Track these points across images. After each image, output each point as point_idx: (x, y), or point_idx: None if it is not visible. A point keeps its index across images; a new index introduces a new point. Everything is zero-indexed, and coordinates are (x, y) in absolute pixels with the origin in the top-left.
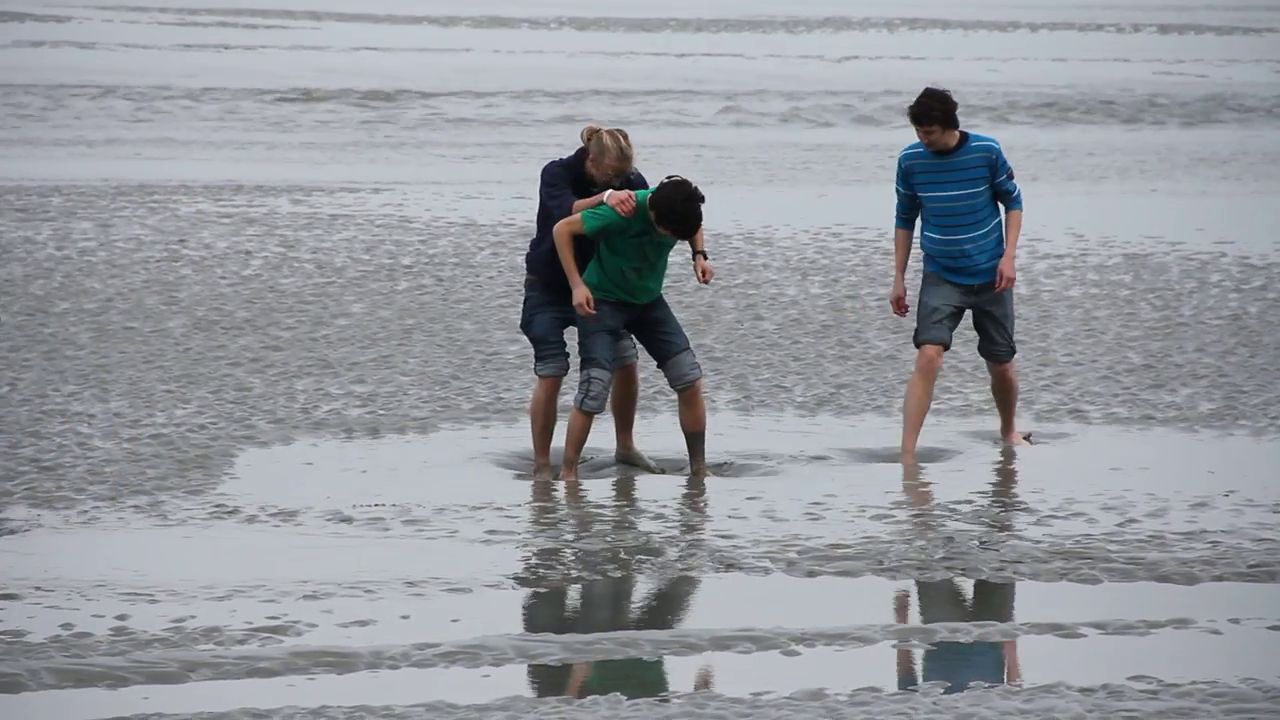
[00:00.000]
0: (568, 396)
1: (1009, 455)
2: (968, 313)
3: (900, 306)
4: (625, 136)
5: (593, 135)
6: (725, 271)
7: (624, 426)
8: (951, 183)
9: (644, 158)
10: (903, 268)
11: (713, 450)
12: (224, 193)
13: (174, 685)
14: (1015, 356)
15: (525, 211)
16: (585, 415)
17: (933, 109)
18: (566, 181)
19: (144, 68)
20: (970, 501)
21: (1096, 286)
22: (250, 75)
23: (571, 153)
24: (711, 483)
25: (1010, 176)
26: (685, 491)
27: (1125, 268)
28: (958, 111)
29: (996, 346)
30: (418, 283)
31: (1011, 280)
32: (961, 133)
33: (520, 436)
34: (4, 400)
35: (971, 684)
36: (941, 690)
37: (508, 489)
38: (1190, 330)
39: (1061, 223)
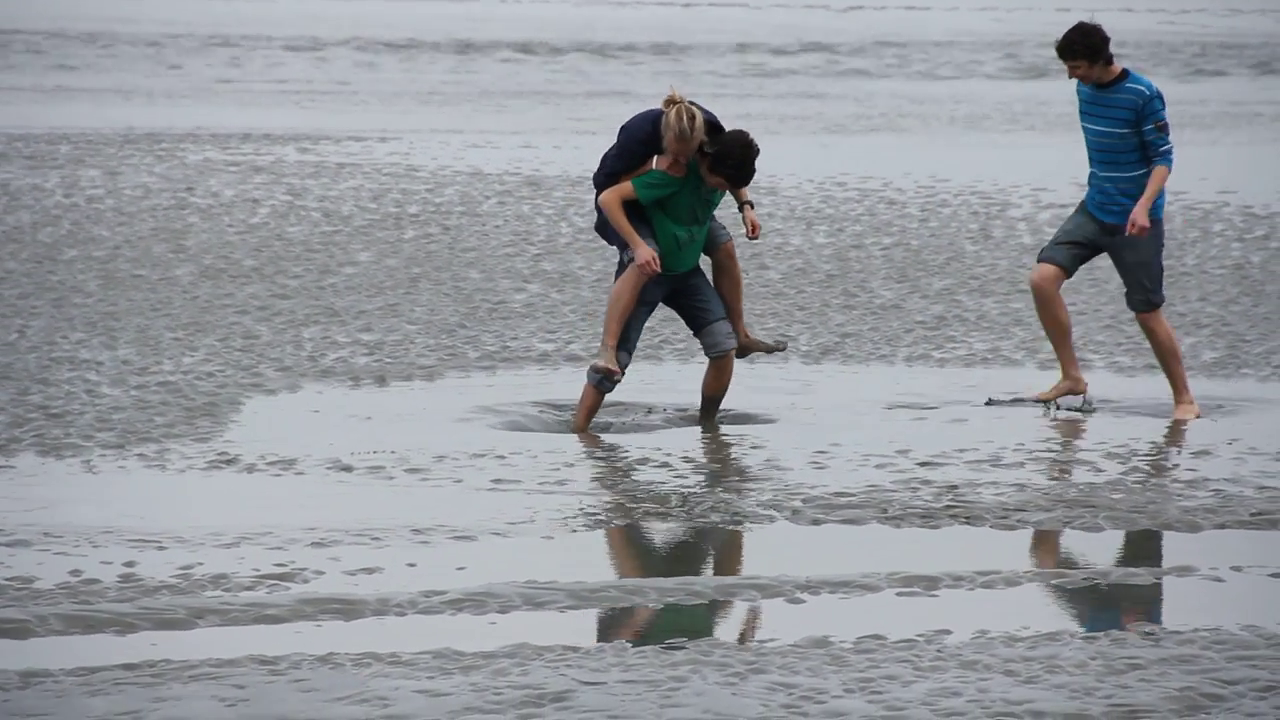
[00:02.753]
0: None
1: (1013, 404)
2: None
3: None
4: (693, 119)
5: (669, 105)
6: (731, 221)
7: (734, 319)
8: (1101, 118)
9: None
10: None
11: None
12: (231, 141)
13: (182, 631)
14: (1158, 310)
15: (531, 161)
16: (600, 392)
17: (1074, 42)
18: (646, 150)
19: (152, 15)
20: (975, 449)
21: None
22: (257, 24)
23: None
24: (716, 433)
25: (1160, 129)
26: (690, 441)
27: None
28: (1109, 47)
29: (1130, 294)
30: (424, 231)
31: (1143, 228)
32: (1124, 70)
33: (528, 385)
34: (12, 347)
35: (975, 631)
36: (946, 637)
37: (514, 437)
38: (1193, 279)
39: (1066, 172)
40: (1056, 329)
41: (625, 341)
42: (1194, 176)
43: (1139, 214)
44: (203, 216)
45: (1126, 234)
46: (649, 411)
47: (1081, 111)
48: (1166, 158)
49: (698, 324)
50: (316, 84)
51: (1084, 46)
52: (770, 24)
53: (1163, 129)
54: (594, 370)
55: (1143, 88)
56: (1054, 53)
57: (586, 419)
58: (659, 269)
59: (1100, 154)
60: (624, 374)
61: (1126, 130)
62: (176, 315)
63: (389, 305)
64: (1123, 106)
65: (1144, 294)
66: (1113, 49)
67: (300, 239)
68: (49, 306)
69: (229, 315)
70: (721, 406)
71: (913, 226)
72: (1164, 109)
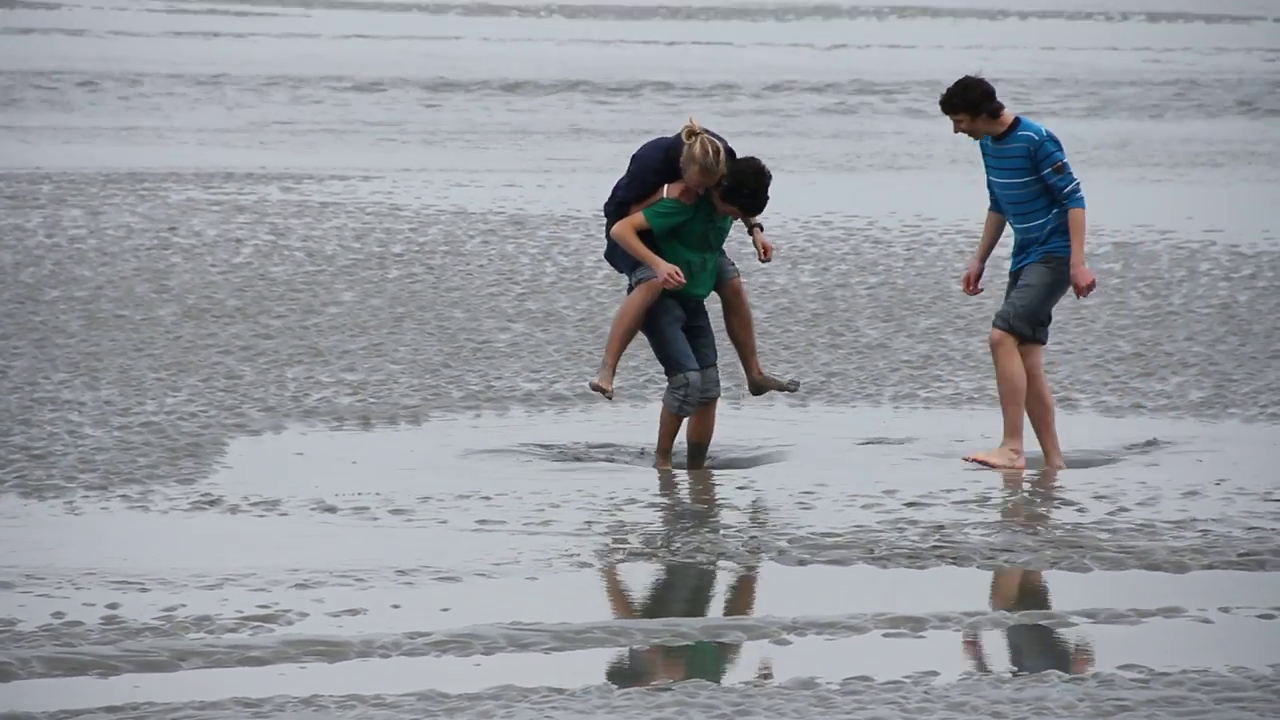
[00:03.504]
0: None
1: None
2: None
3: (969, 284)
4: (717, 152)
5: (689, 136)
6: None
7: (747, 356)
8: (1000, 169)
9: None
10: (982, 250)
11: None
12: (214, 180)
13: (165, 674)
14: (1015, 341)
15: (515, 200)
16: (677, 418)
17: (953, 96)
18: (658, 179)
19: (133, 55)
20: (962, 489)
21: None
22: (240, 63)
23: (669, 135)
24: (700, 473)
25: (1058, 171)
26: (676, 482)
27: (1115, 256)
28: (995, 98)
29: (1002, 308)
30: (408, 271)
31: (1089, 288)
32: (1016, 119)
33: (513, 425)
34: None
35: (963, 673)
36: (933, 679)
37: (498, 478)
38: (1180, 319)
39: None
40: (1037, 409)
41: (688, 362)
42: (1180, 215)
43: (1079, 275)
44: (185, 256)
45: (1075, 297)
46: (641, 453)
47: (986, 167)
48: (1074, 198)
49: None
50: (299, 123)
51: (963, 100)
52: (755, 62)
53: (1061, 170)
54: (593, 387)
55: (1032, 133)
56: (967, 97)
57: (670, 441)
58: (684, 280)
59: (1010, 206)
60: (699, 386)
61: (1027, 178)
62: (159, 355)
63: (373, 345)
64: (1016, 155)
65: (1009, 313)
66: (1098, 87)
67: (284, 279)
68: (31, 347)
69: (212, 355)
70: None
71: (898, 265)
72: (1058, 150)
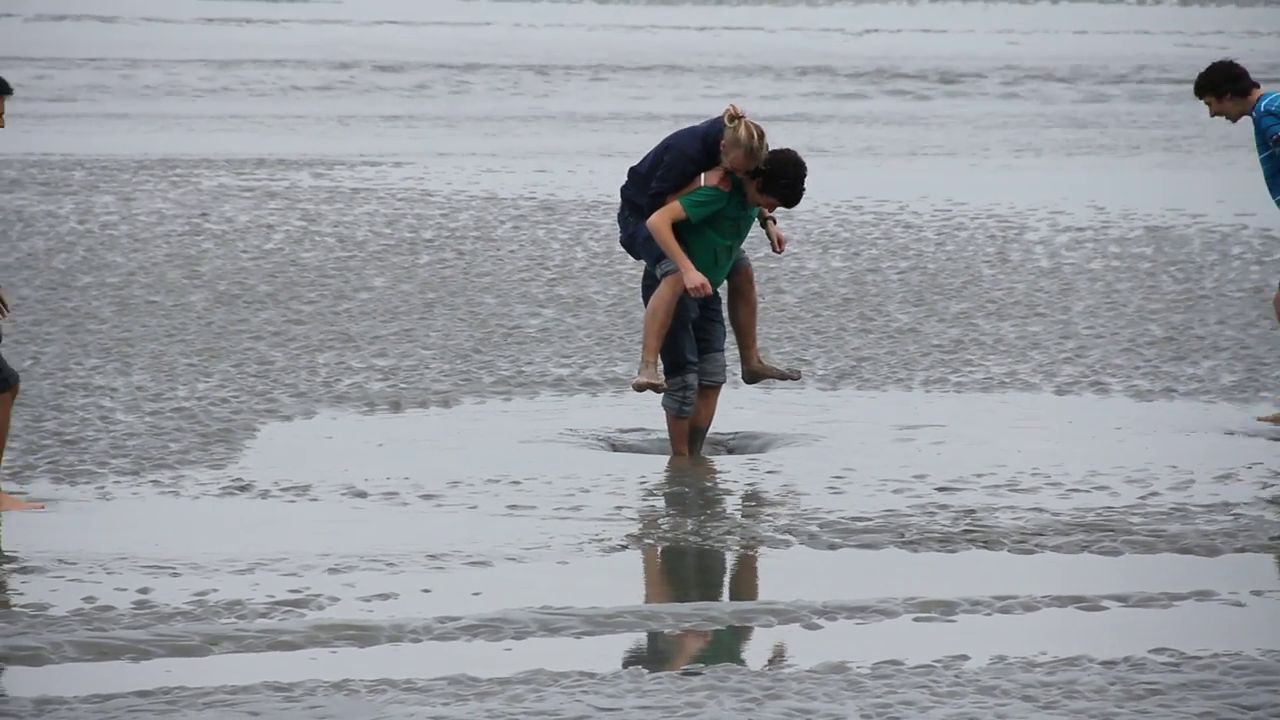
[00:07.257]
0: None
1: (1029, 428)
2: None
3: None
4: (761, 135)
5: (732, 120)
6: (746, 245)
7: (748, 344)
8: (1256, 147)
9: (668, 130)
10: None
11: (734, 424)
12: (245, 166)
13: (196, 658)
14: None
15: (546, 185)
16: (683, 421)
17: (1199, 78)
18: (696, 169)
19: (166, 42)
20: (992, 474)
21: (1118, 259)
22: (271, 49)
23: (701, 122)
24: (731, 458)
25: (1278, 143)
26: (704, 466)
27: (1147, 240)
28: (1242, 79)
29: None
30: (439, 256)
31: None
32: (1258, 96)
33: (544, 410)
34: (27, 374)
35: (993, 656)
36: (963, 663)
37: (528, 462)
38: (1212, 303)
39: (1083, 195)
40: None
41: (692, 363)
42: (1212, 199)
43: None
44: (217, 242)
45: None
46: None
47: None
48: None
49: (699, 350)
50: (330, 108)
51: (1206, 81)
52: (786, 47)
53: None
54: (640, 387)
55: (1261, 106)
56: (1209, 79)
57: (684, 444)
58: (711, 292)
59: (1267, 180)
60: (725, 372)
61: (1265, 153)
62: (191, 341)
63: (404, 330)
64: (1256, 131)
65: None
66: (1130, 71)
67: (315, 264)
68: (63, 333)
69: (243, 341)
70: (738, 429)
71: (929, 250)
72: (1277, 123)
